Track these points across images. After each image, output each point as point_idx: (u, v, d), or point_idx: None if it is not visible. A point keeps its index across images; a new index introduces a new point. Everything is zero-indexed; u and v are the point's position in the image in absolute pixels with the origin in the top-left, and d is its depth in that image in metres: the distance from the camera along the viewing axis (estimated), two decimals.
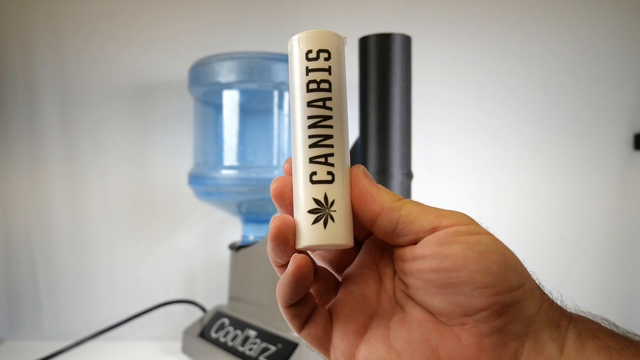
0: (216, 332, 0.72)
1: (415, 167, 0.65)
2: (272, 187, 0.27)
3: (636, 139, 0.86)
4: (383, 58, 0.59)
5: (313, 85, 0.26)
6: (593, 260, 0.88)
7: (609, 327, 0.25)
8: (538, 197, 0.87)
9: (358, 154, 0.62)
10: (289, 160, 0.27)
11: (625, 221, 0.88)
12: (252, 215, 0.77)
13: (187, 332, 0.76)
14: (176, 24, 0.85)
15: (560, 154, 0.87)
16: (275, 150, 0.73)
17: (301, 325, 0.27)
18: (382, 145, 0.60)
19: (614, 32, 0.86)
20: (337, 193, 0.26)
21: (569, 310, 0.25)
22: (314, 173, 0.26)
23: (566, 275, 0.87)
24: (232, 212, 0.77)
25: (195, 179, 0.75)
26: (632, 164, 0.87)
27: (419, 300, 0.26)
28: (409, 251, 0.26)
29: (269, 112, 0.73)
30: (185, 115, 0.84)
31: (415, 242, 0.26)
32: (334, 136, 0.26)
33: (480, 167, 0.87)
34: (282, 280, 0.25)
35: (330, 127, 0.26)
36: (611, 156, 0.87)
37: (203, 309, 0.83)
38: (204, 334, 0.73)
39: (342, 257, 0.30)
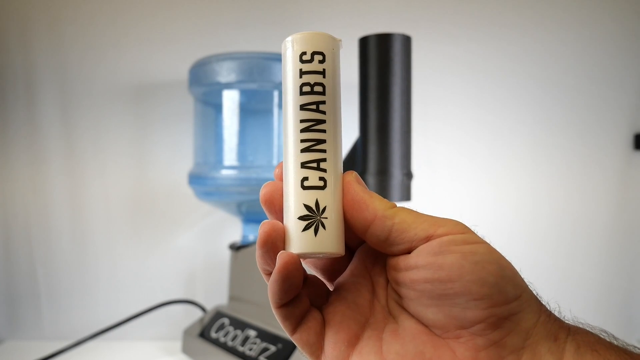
0: (216, 332, 0.72)
1: (415, 167, 0.65)
2: (262, 192, 0.27)
3: (636, 139, 0.86)
4: (383, 58, 0.59)
5: (306, 88, 0.26)
6: (593, 260, 0.88)
7: (608, 340, 0.24)
8: (538, 197, 0.87)
9: (358, 154, 0.62)
10: (280, 165, 0.27)
11: (625, 221, 0.88)
12: (252, 215, 0.76)
13: (187, 332, 0.76)
14: (176, 24, 0.85)
15: (560, 153, 0.87)
16: (275, 150, 0.73)
17: (294, 328, 0.26)
18: (382, 145, 0.60)
19: (614, 32, 0.86)
20: (328, 199, 0.25)
21: (567, 322, 0.25)
22: (305, 178, 0.25)
23: (566, 275, 0.87)
24: (232, 212, 0.77)
25: (195, 179, 0.75)
26: (632, 164, 0.87)
27: (413, 312, 0.25)
28: (402, 260, 0.25)
29: (269, 112, 0.73)
30: (185, 115, 0.84)
31: (409, 251, 0.25)
32: (326, 141, 0.26)
33: (481, 167, 0.87)
34: (270, 280, 0.25)
35: (323, 131, 0.26)
36: (611, 156, 0.87)
37: (203, 309, 0.83)
38: (204, 334, 0.73)
39: (333, 265, 0.29)
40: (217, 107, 0.74)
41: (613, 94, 0.87)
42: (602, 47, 0.86)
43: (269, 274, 0.26)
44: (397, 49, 0.59)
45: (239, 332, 0.69)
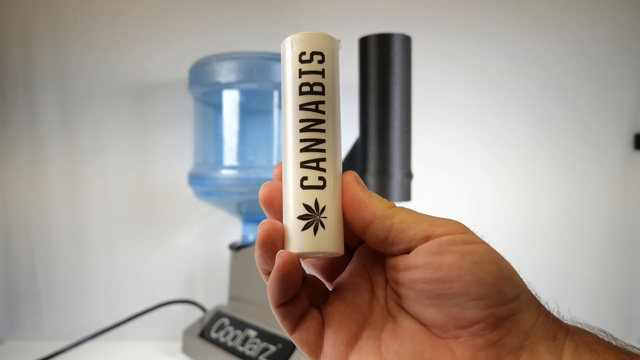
0: (216, 332, 0.72)
1: (415, 167, 0.65)
2: (261, 192, 0.27)
3: (636, 139, 0.86)
4: (383, 58, 0.59)
5: (306, 88, 0.26)
6: (593, 260, 0.88)
7: (606, 340, 0.24)
8: (538, 197, 0.87)
9: (358, 154, 0.62)
10: (280, 165, 0.27)
11: (625, 221, 0.88)
12: (252, 215, 0.76)
13: (187, 332, 0.76)
14: (176, 24, 0.85)
15: (560, 153, 0.87)
16: (275, 150, 0.73)
17: (293, 327, 0.26)
18: (382, 145, 0.60)
19: (614, 32, 0.86)
20: (328, 199, 0.25)
21: (566, 322, 0.25)
22: (304, 178, 0.25)
23: (566, 275, 0.87)
24: (232, 212, 0.77)
25: (195, 179, 0.75)
26: (632, 164, 0.87)
27: (412, 312, 0.25)
28: (401, 260, 0.25)
29: (269, 112, 0.73)
30: (185, 115, 0.84)
31: (408, 251, 0.25)
32: (326, 141, 0.26)
33: (481, 167, 0.87)
34: (270, 279, 0.25)
35: (323, 131, 0.26)
36: (611, 156, 0.87)
37: (203, 309, 0.83)
38: (204, 334, 0.73)
39: (332, 265, 0.29)
40: (217, 107, 0.74)
41: (613, 94, 0.87)
42: (602, 47, 0.86)
43: (268, 273, 0.26)
44: (397, 49, 0.59)
45: (239, 332, 0.69)
